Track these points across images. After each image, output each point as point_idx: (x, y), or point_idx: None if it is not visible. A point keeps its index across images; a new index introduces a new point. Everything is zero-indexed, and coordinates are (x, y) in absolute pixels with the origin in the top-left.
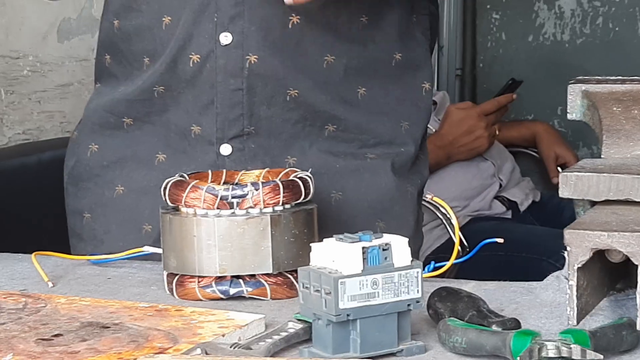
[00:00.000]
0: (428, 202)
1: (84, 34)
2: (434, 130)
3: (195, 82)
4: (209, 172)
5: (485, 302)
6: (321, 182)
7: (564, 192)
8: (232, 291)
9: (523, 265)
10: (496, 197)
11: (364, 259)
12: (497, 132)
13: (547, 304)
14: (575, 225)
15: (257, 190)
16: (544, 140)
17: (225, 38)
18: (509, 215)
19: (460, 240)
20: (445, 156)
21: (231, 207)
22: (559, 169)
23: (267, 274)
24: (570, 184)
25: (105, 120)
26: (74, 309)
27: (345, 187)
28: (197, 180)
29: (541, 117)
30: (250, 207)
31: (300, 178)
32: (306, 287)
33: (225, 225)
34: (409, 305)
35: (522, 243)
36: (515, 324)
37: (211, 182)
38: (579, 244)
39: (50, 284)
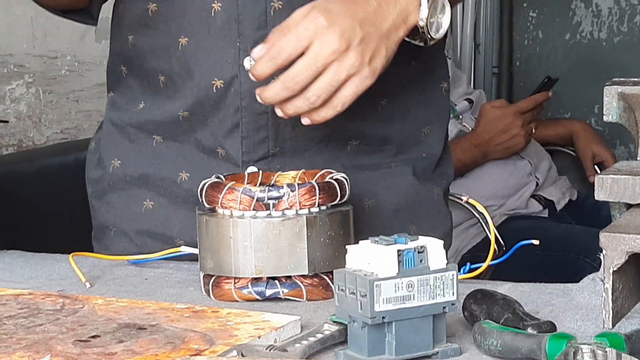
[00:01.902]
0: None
1: None
2: (470, 128)
3: (220, 106)
4: (245, 173)
5: (520, 305)
6: (352, 192)
7: (599, 195)
8: (269, 292)
9: (560, 264)
10: (533, 196)
11: (399, 261)
12: (533, 131)
13: (582, 307)
14: (611, 228)
15: (293, 191)
16: (581, 139)
17: (249, 63)
18: (545, 214)
19: (497, 239)
20: (481, 155)
21: (267, 209)
22: (596, 167)
23: (303, 275)
24: (606, 187)
25: (135, 137)
26: (111, 310)
27: (377, 194)
28: (234, 182)
29: (578, 116)
30: (287, 209)
31: (336, 180)
32: (342, 290)
33: (261, 227)
34: (444, 307)
35: (559, 242)
36: (550, 326)
37: (247, 183)
38: (615, 247)
39: (87, 285)
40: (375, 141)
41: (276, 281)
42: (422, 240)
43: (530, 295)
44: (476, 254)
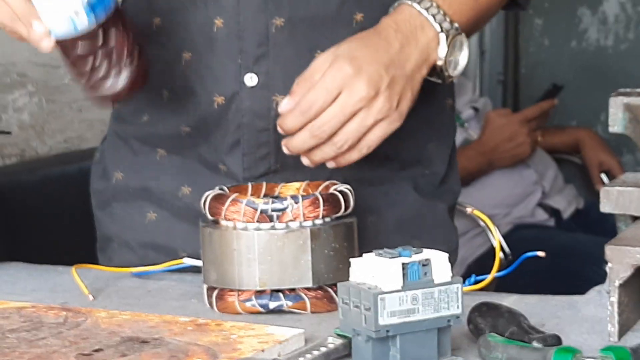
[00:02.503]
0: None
1: None
2: (475, 136)
3: (221, 123)
4: (249, 185)
5: (526, 318)
6: (354, 207)
7: (605, 207)
8: (272, 305)
9: (566, 273)
10: (539, 205)
11: (403, 274)
12: (539, 139)
13: (588, 319)
14: (617, 241)
15: (296, 203)
16: (587, 147)
17: (251, 80)
18: (551, 222)
19: (502, 248)
20: (487, 163)
21: (271, 221)
22: (603, 175)
23: (307, 288)
24: (612, 199)
25: (139, 149)
26: (114, 323)
27: (379, 209)
28: (237, 194)
29: (584, 123)
30: (290, 221)
31: (340, 191)
32: (346, 303)
33: (265, 239)
34: (449, 321)
35: (566, 251)
36: (556, 340)
37: (251, 195)
38: (620, 260)
39: (90, 297)
40: (378, 157)
41: (280, 294)
42: (427, 253)
43: (536, 308)
44: (482, 263)
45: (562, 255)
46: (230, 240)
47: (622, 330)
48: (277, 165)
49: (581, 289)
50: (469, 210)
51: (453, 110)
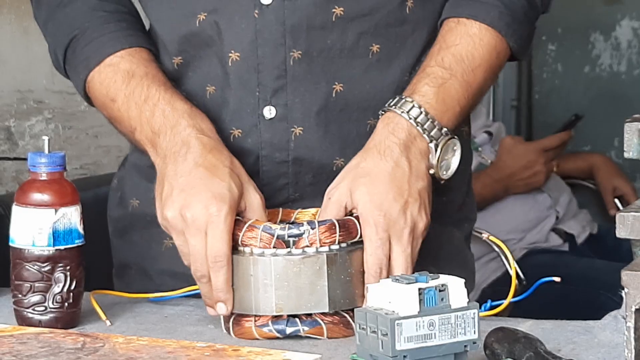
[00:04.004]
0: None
1: None
2: (489, 161)
3: (238, 155)
4: (265, 211)
5: (542, 343)
6: None
7: (620, 233)
8: (289, 330)
9: (581, 298)
10: (553, 230)
11: (420, 300)
12: (554, 170)
13: (604, 345)
14: (633, 266)
15: (313, 229)
16: (601, 172)
17: (269, 112)
18: (565, 247)
19: (517, 272)
20: (503, 189)
21: (287, 246)
22: (617, 201)
23: (324, 313)
24: (628, 224)
25: (155, 177)
26: (131, 349)
27: None
28: (254, 219)
29: (598, 149)
30: (307, 246)
31: (356, 217)
32: (363, 328)
33: (282, 265)
34: (465, 346)
35: (580, 276)
36: None
37: (267, 221)
38: (637, 285)
39: (108, 323)
40: None
41: (297, 319)
42: (443, 279)
43: (552, 333)
44: (497, 288)
45: (576, 281)
46: (247, 266)
47: (639, 356)
48: (295, 195)
49: (595, 315)
50: (484, 236)
51: (469, 136)
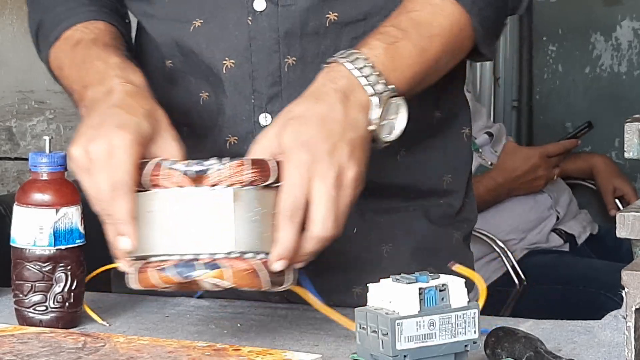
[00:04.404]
0: (485, 235)
1: None
2: (489, 162)
3: None
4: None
5: (542, 343)
6: (370, 237)
7: (621, 232)
8: (189, 273)
9: (581, 299)
10: (553, 230)
11: (420, 299)
12: (555, 178)
13: (605, 344)
14: (633, 266)
15: (221, 165)
16: (601, 173)
17: (265, 119)
18: (566, 248)
19: (517, 272)
20: (505, 192)
21: (196, 184)
22: (617, 201)
23: (228, 257)
24: (628, 224)
25: None
26: (132, 349)
27: (394, 238)
28: (161, 158)
29: (598, 149)
30: (215, 184)
31: (279, 162)
32: (363, 328)
33: (182, 202)
34: (466, 346)
35: (580, 277)
36: None
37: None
38: (637, 285)
39: (106, 324)
40: (392, 188)
41: (199, 261)
42: (444, 279)
43: (552, 333)
44: (497, 288)
45: (577, 281)
46: (146, 203)
47: (639, 355)
48: None
49: (595, 315)
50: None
51: (470, 139)
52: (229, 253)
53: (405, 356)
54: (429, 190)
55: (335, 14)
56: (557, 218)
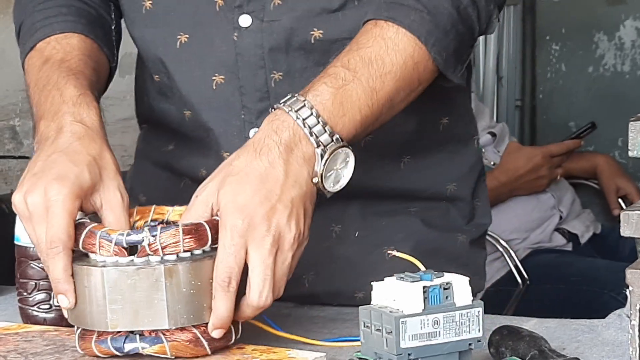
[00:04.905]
0: (488, 234)
1: None
2: (492, 162)
3: None
4: (135, 208)
5: (546, 341)
6: (371, 240)
7: (625, 231)
8: (127, 348)
9: (584, 298)
10: (556, 230)
11: (425, 298)
12: (558, 178)
13: (609, 343)
14: (637, 265)
15: (154, 235)
16: (604, 172)
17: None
18: (569, 247)
19: (520, 272)
20: (507, 192)
21: (131, 254)
22: (620, 201)
23: (166, 329)
24: (632, 223)
25: (163, 175)
26: None
27: (395, 242)
28: (95, 224)
29: (601, 149)
30: (149, 255)
31: (213, 221)
32: (367, 326)
33: (115, 276)
34: (470, 344)
35: (584, 276)
36: None
37: (137, 220)
38: None
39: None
40: (394, 193)
41: (137, 335)
42: (448, 277)
43: (556, 331)
44: (500, 287)
45: (580, 281)
46: (82, 277)
47: None
48: None
49: (599, 314)
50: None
51: (478, 142)
52: (167, 329)
53: (409, 354)
54: (431, 196)
55: (320, 32)
56: (560, 217)
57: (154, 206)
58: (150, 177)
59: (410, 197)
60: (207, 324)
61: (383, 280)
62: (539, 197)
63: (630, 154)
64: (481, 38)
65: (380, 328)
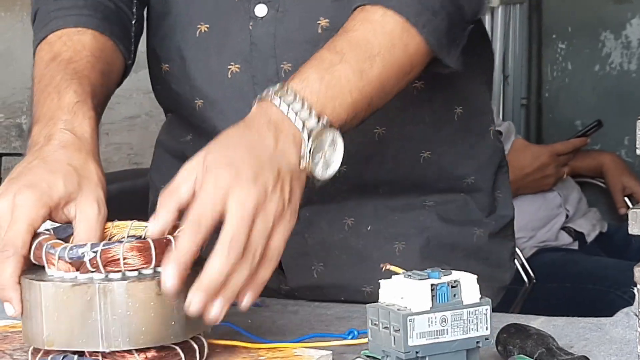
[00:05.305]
0: None
1: None
2: None
3: None
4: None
5: (554, 339)
6: (384, 234)
7: (633, 229)
8: None
9: (591, 297)
10: (562, 228)
11: (432, 296)
12: (564, 176)
13: (616, 341)
14: None
15: (94, 252)
16: (611, 171)
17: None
18: (575, 246)
19: (527, 271)
20: (514, 190)
21: (77, 270)
22: (627, 199)
23: (102, 352)
24: None
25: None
26: None
27: (407, 236)
28: (45, 236)
29: (608, 147)
30: (90, 272)
31: (162, 240)
32: (375, 324)
33: (51, 292)
34: (477, 342)
35: (590, 274)
36: None
37: (107, 235)
38: None
39: None
40: (410, 186)
41: (75, 355)
42: (456, 275)
43: (564, 329)
44: (507, 286)
45: (587, 279)
46: (23, 290)
47: None
48: (303, 200)
49: (606, 313)
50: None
51: (496, 135)
52: (101, 352)
53: (417, 352)
54: (449, 189)
55: (327, 21)
56: (567, 216)
57: (133, 221)
58: (169, 168)
59: (427, 190)
60: (149, 348)
61: (391, 277)
62: (545, 195)
63: (638, 152)
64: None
65: (388, 326)
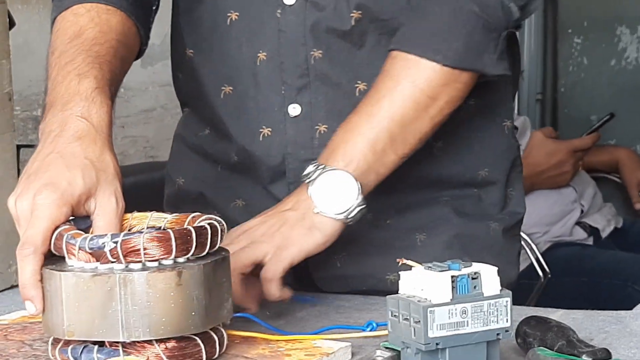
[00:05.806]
0: None
1: (167, 60)
2: None
3: (266, 154)
4: (131, 214)
5: (574, 332)
6: (404, 226)
7: None
8: (84, 358)
9: (607, 291)
10: (577, 223)
11: (453, 287)
12: (580, 170)
13: (636, 334)
14: None
15: (115, 242)
16: (626, 166)
17: (294, 110)
18: (590, 241)
19: (542, 265)
20: (529, 186)
21: (97, 260)
22: None
23: (124, 342)
24: None
25: (199, 159)
26: None
27: (427, 228)
28: (66, 227)
29: (623, 142)
30: (111, 262)
31: (191, 228)
32: (395, 316)
33: (71, 282)
34: (498, 334)
35: (606, 269)
36: (605, 354)
37: (128, 227)
38: None
39: None
40: (424, 180)
41: (95, 345)
42: (476, 267)
43: (583, 322)
44: (521, 280)
45: (603, 274)
46: (45, 280)
47: None
48: None
49: (621, 306)
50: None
51: (512, 131)
52: (123, 342)
53: (437, 344)
54: (464, 183)
55: (360, 12)
56: (582, 211)
57: (152, 212)
58: (188, 162)
59: (442, 185)
60: (169, 339)
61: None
62: (561, 190)
63: None
64: None
65: (408, 317)
